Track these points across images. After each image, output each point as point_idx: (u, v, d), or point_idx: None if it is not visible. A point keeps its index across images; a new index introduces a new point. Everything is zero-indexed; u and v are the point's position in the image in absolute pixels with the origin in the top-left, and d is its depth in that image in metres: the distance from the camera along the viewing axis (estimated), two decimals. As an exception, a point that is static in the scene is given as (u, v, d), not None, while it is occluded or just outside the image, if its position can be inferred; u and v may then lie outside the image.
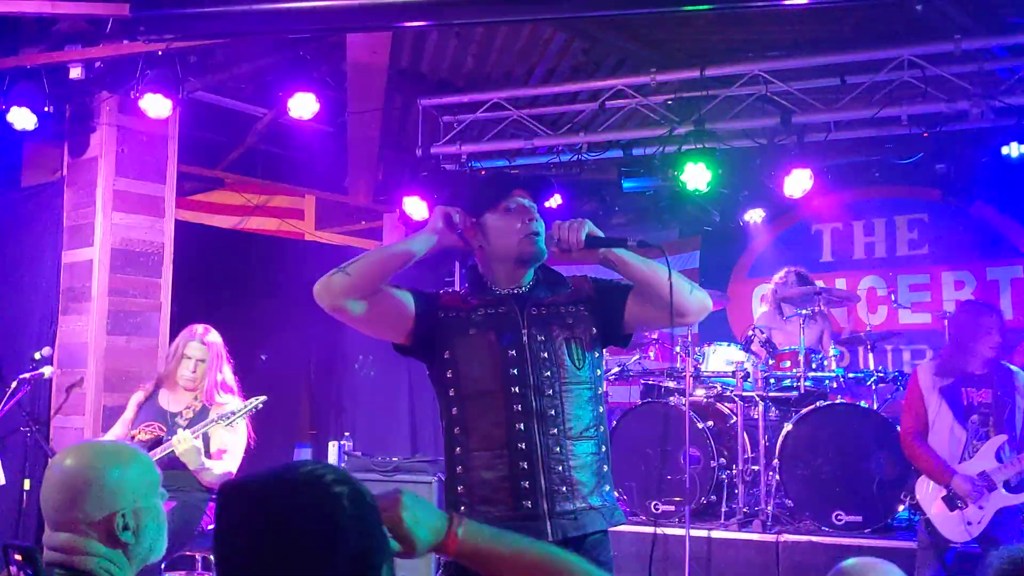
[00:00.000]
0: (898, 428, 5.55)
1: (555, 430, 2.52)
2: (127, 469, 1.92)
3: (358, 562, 1.20)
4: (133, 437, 4.43)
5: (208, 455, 4.43)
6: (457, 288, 2.74)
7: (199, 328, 4.66)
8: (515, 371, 2.53)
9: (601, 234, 2.54)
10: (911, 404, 4.67)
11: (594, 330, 2.64)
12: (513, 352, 2.55)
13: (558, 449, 2.51)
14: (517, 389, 2.52)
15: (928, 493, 4.56)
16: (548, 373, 2.54)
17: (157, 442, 4.36)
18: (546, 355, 2.55)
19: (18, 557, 1.84)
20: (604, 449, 2.64)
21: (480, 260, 2.69)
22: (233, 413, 4.37)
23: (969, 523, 4.42)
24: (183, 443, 4.27)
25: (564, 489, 2.50)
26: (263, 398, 4.46)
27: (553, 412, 2.52)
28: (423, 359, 2.66)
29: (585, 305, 2.66)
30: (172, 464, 4.29)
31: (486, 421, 2.52)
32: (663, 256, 2.49)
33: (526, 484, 2.48)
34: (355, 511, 1.21)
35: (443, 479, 3.09)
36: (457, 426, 2.57)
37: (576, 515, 2.49)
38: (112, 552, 1.86)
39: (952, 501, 4.46)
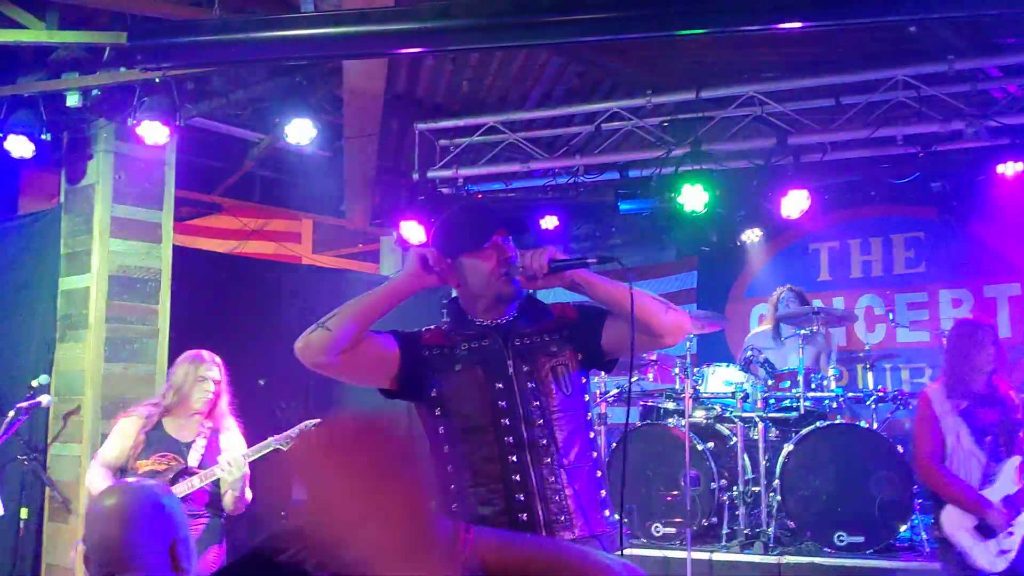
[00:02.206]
0: (899, 448, 5.57)
1: (548, 459, 2.50)
2: (171, 500, 1.90)
3: None
4: (138, 468, 4.33)
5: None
6: (440, 324, 2.70)
7: (205, 353, 4.59)
8: (503, 403, 2.51)
9: (565, 257, 2.52)
10: (925, 429, 4.44)
11: (579, 355, 2.63)
12: (500, 384, 2.53)
13: (553, 479, 2.49)
14: (507, 421, 2.50)
15: (956, 523, 4.33)
16: (537, 403, 2.53)
17: (184, 472, 4.28)
18: (533, 385, 2.54)
19: None
20: (600, 474, 2.62)
21: (460, 296, 2.68)
22: (291, 436, 4.30)
23: (1004, 551, 4.23)
24: (236, 471, 4.19)
25: (563, 518, 2.48)
26: (317, 420, 4.43)
27: (545, 441, 2.51)
28: (410, 400, 2.64)
29: (568, 331, 2.64)
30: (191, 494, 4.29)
31: (478, 456, 2.50)
32: (624, 270, 2.47)
33: (524, 516, 2.46)
34: None
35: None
36: (449, 463, 2.55)
37: (576, 544, 2.47)
38: None
39: (984, 530, 4.26)
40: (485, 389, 2.53)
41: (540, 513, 2.46)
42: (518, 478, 2.47)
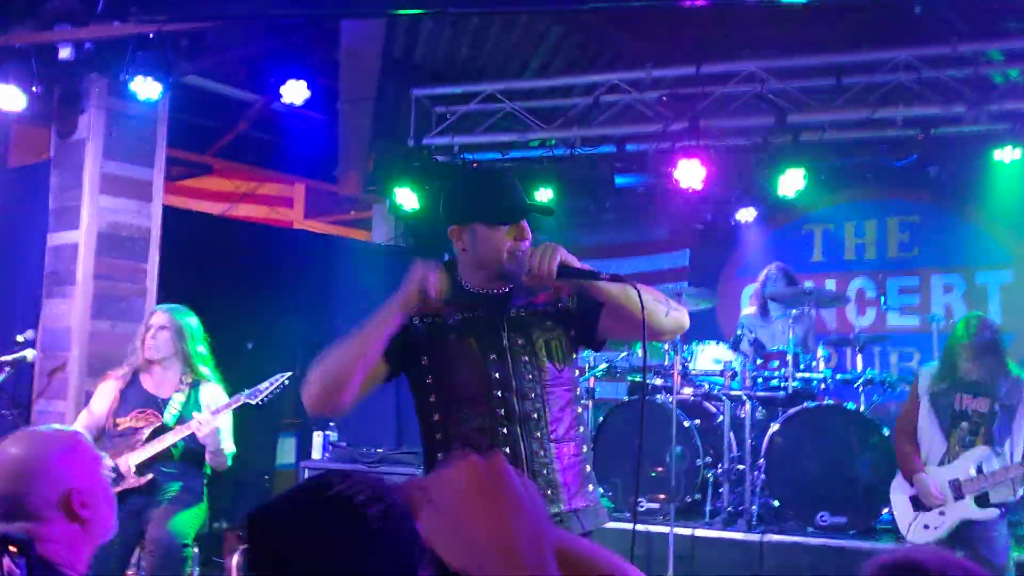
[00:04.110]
0: (884, 431, 5.59)
1: (539, 433, 2.49)
2: (73, 448, 1.95)
3: None
4: (118, 425, 4.32)
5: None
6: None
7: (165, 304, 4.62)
8: (497, 375, 2.49)
9: (576, 262, 2.42)
10: (907, 404, 4.70)
11: (572, 332, 2.61)
12: (494, 356, 2.50)
13: (542, 452, 2.49)
14: (500, 393, 2.48)
15: (898, 490, 4.62)
16: (530, 376, 2.50)
17: (162, 429, 4.27)
18: (527, 358, 2.51)
19: (12, 549, 1.80)
20: (586, 449, 2.62)
21: (460, 261, 2.59)
22: (259, 391, 4.31)
23: (926, 527, 4.42)
24: (206, 426, 4.20)
25: (549, 492, 2.47)
26: (289, 374, 4.41)
27: (536, 415, 2.49)
28: (399, 367, 2.57)
29: (564, 307, 2.61)
30: (170, 453, 4.27)
31: (469, 426, 2.48)
32: (636, 292, 2.39)
33: None
34: (387, 533, 1.15)
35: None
36: (439, 432, 2.52)
37: (561, 518, 2.47)
38: (70, 531, 1.86)
39: (917, 501, 4.47)
40: (479, 359, 2.50)
41: None
42: (508, 450, 2.45)
